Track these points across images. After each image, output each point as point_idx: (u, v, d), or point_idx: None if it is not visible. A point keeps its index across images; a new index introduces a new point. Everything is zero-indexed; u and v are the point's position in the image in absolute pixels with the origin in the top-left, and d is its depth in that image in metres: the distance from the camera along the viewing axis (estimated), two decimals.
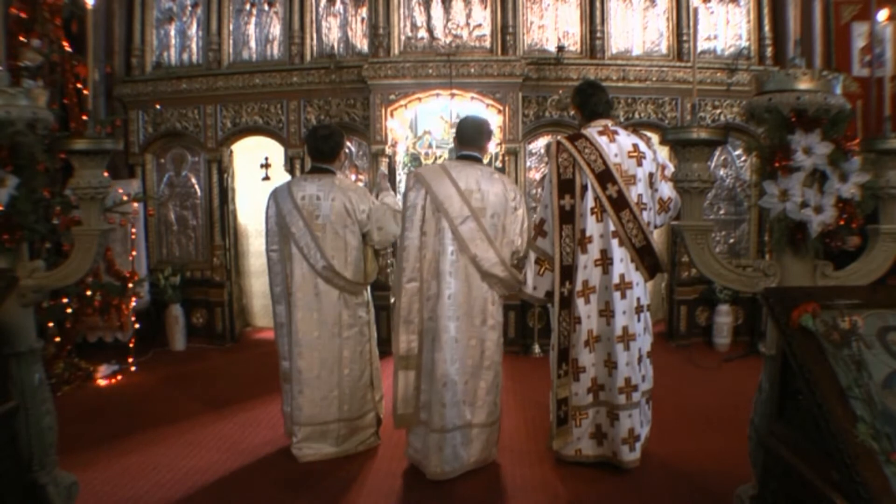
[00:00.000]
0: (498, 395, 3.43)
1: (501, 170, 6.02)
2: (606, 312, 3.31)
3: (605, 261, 3.30)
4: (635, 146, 3.35)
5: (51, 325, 4.75)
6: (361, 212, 3.58)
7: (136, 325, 5.55)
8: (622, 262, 3.28)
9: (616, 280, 3.27)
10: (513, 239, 3.38)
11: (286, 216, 3.54)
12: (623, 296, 3.28)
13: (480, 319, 3.32)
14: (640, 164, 3.32)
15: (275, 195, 3.64)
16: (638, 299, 3.32)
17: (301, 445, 3.54)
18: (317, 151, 3.68)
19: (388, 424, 3.86)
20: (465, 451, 3.32)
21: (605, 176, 3.25)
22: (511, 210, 3.36)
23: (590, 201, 3.28)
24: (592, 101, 3.46)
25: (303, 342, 3.53)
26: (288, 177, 5.73)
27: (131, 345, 5.43)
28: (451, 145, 5.33)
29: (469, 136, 3.44)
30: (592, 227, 3.29)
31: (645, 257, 3.30)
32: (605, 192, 3.25)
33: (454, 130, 3.58)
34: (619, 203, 3.25)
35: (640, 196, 3.30)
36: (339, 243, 3.54)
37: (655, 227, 3.43)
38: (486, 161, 8.78)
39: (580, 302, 3.31)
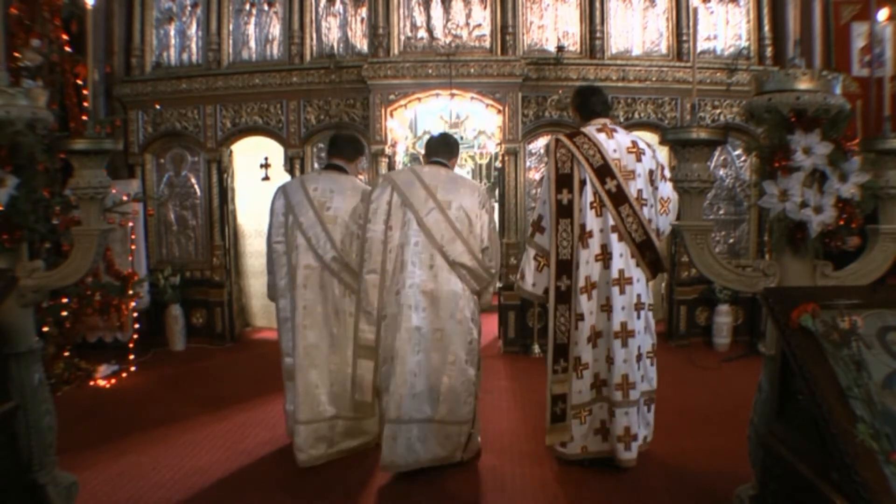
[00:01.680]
0: (468, 395, 3.33)
1: (501, 170, 6.03)
2: (607, 308, 3.30)
3: (606, 256, 3.29)
4: (634, 143, 3.35)
5: (50, 324, 4.75)
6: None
7: (136, 325, 5.55)
8: (622, 258, 3.27)
9: (615, 275, 3.26)
10: (478, 234, 3.38)
11: (295, 207, 3.54)
12: (622, 291, 3.27)
13: (448, 313, 3.30)
14: (639, 160, 3.32)
15: (284, 188, 3.67)
16: (638, 296, 3.30)
17: (301, 448, 3.52)
18: (338, 149, 3.73)
19: None
20: (421, 446, 3.25)
21: (603, 170, 3.25)
22: (478, 205, 3.39)
23: (589, 196, 3.27)
24: (591, 102, 3.47)
25: (305, 338, 3.52)
26: (288, 177, 5.73)
27: (131, 345, 5.43)
28: None
29: (436, 148, 3.60)
30: (592, 221, 3.28)
31: (645, 252, 3.29)
32: (604, 187, 3.25)
33: (423, 148, 3.70)
34: (618, 198, 3.25)
35: (639, 192, 3.30)
36: (348, 237, 3.55)
37: (660, 230, 3.40)
38: (485, 161, 8.71)
39: (583, 298, 3.29)
